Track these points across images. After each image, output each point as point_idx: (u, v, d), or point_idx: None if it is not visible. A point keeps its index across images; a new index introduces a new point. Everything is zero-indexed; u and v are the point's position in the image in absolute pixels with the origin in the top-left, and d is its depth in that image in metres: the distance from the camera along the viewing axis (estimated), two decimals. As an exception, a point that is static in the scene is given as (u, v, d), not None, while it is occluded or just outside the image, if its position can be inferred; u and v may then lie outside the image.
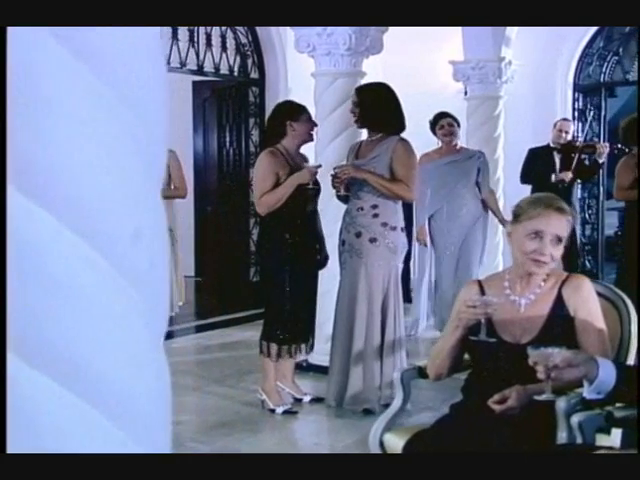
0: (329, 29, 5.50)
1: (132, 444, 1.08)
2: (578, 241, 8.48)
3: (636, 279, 6.32)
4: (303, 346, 4.98)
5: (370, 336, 4.83)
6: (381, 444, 2.98)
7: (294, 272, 4.77)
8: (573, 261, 8.35)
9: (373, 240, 4.83)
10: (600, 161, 7.95)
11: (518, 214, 2.88)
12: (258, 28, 8.09)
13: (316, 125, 4.94)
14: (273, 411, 4.80)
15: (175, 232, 6.56)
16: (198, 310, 8.70)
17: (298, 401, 5.02)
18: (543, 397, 2.49)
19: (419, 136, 6.69)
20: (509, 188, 7.61)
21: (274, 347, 4.83)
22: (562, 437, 2.55)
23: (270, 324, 4.89)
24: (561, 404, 2.55)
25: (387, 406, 3.72)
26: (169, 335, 7.13)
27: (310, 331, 5.04)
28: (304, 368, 5.73)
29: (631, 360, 2.90)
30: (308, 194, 4.81)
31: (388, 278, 4.88)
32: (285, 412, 4.80)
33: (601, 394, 2.39)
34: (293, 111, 4.87)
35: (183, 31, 7.50)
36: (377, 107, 4.89)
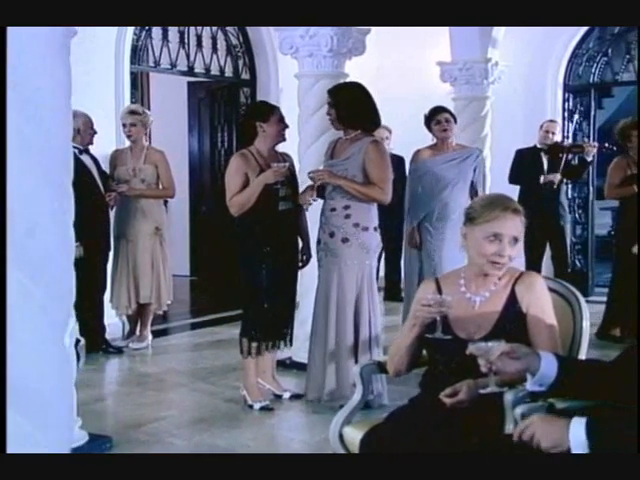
0: (312, 31, 5.59)
1: (38, 435, 1.16)
2: (568, 241, 8.56)
3: (630, 277, 6.42)
4: (281, 343, 5.07)
5: (342, 334, 4.91)
6: (341, 437, 3.07)
7: (271, 270, 4.85)
8: (563, 261, 8.43)
9: (345, 240, 4.91)
10: (588, 159, 8.03)
11: (473, 217, 2.95)
12: (249, 30, 8.18)
13: (287, 126, 4.98)
14: (251, 407, 4.90)
15: (163, 231, 6.62)
16: (192, 308, 8.79)
17: (278, 397, 5.11)
18: (487, 390, 2.58)
19: (410, 137, 6.75)
20: (497, 188, 7.66)
21: (253, 344, 4.93)
22: (509, 428, 2.62)
23: (248, 322, 4.98)
24: (508, 397, 2.63)
25: (366, 403, 3.81)
26: (164, 332, 7.24)
27: (288, 328, 5.12)
28: (287, 365, 5.82)
29: (582, 355, 2.98)
30: (278, 194, 4.88)
31: (361, 277, 4.95)
32: (262, 408, 4.88)
33: (543, 386, 2.46)
34: (263, 112, 4.94)
35: (174, 32, 7.58)
36: (352, 105, 4.96)
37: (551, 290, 3.04)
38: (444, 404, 2.77)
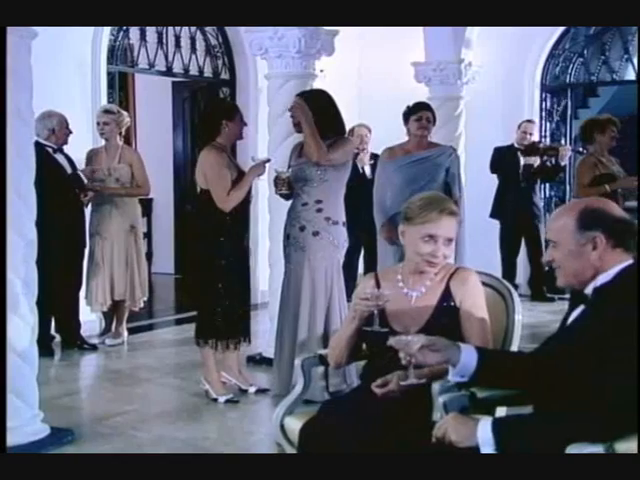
0: (280, 32, 5.68)
1: None
2: (543, 240, 8.67)
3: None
4: (242, 338, 5.15)
5: (313, 326, 5.01)
6: (282, 427, 3.15)
7: (233, 264, 4.95)
8: (539, 260, 8.53)
9: (316, 234, 5.01)
10: (562, 164, 8.18)
11: (410, 217, 3.05)
12: (228, 30, 8.26)
13: (246, 124, 5.13)
14: (216, 400, 4.99)
15: (138, 229, 6.71)
16: (176, 306, 8.89)
17: (244, 392, 5.19)
18: (407, 382, 2.68)
19: (390, 136, 6.79)
20: (472, 187, 7.74)
21: (212, 340, 5.02)
22: (437, 417, 2.72)
23: (209, 317, 5.04)
24: (436, 386, 2.72)
25: (333, 394, 3.89)
26: (144, 329, 7.38)
27: (248, 322, 5.21)
28: (257, 361, 5.92)
29: (515, 346, 3.08)
30: (251, 188, 5.02)
31: (331, 270, 5.06)
32: (227, 401, 4.98)
33: (465, 377, 2.56)
34: (228, 111, 5.08)
35: (152, 32, 7.66)
36: (320, 112, 5.04)
37: (486, 285, 3.15)
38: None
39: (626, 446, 2.12)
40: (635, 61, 8.66)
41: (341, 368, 3.27)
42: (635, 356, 2.19)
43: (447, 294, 3.03)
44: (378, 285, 3.13)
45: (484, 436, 2.25)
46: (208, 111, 5.24)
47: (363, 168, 7.89)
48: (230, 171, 4.92)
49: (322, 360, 3.26)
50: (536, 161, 8.09)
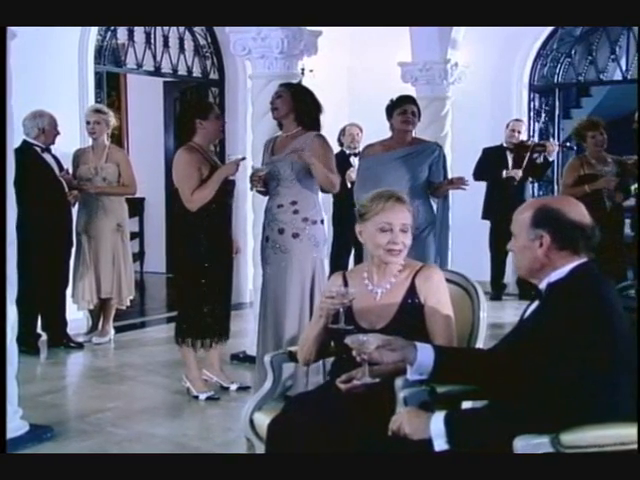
0: (263, 33, 5.72)
1: None
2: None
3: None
4: (221, 337, 5.19)
5: (302, 324, 5.03)
6: (251, 422, 3.20)
7: (212, 264, 4.99)
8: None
9: (296, 235, 5.02)
10: (550, 159, 8.28)
11: (364, 213, 3.12)
12: (217, 30, 8.29)
13: (224, 122, 5.15)
14: (197, 397, 5.03)
15: (124, 228, 6.75)
16: (168, 304, 8.93)
17: (225, 389, 5.24)
18: (361, 381, 2.73)
19: (381, 136, 6.80)
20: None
21: (190, 339, 5.07)
22: (400, 411, 2.76)
23: (188, 316, 5.10)
24: (398, 381, 2.76)
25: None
26: (141, 326, 7.51)
27: (228, 321, 5.26)
28: (241, 359, 5.97)
29: (480, 343, 3.12)
30: (230, 187, 5.04)
31: (314, 270, 5.08)
32: (208, 398, 5.03)
33: (424, 375, 2.61)
34: (201, 109, 5.08)
35: (140, 32, 7.70)
36: (305, 103, 5.09)
37: (451, 282, 3.19)
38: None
39: (571, 437, 2.17)
40: (622, 62, 8.73)
41: (310, 365, 3.31)
42: (585, 353, 2.23)
43: (412, 291, 3.08)
44: (346, 283, 3.18)
45: (436, 428, 2.30)
46: (181, 112, 5.26)
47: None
48: (201, 171, 4.92)
49: (292, 356, 3.30)
50: (518, 173, 8.18)
